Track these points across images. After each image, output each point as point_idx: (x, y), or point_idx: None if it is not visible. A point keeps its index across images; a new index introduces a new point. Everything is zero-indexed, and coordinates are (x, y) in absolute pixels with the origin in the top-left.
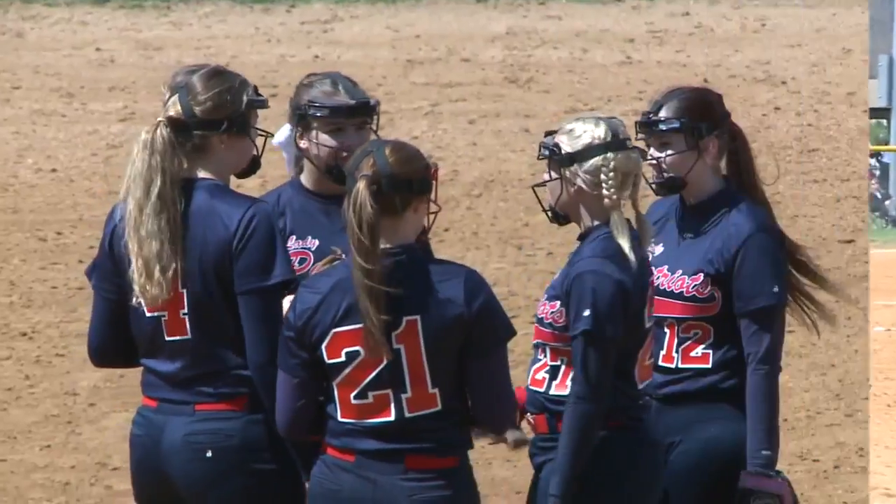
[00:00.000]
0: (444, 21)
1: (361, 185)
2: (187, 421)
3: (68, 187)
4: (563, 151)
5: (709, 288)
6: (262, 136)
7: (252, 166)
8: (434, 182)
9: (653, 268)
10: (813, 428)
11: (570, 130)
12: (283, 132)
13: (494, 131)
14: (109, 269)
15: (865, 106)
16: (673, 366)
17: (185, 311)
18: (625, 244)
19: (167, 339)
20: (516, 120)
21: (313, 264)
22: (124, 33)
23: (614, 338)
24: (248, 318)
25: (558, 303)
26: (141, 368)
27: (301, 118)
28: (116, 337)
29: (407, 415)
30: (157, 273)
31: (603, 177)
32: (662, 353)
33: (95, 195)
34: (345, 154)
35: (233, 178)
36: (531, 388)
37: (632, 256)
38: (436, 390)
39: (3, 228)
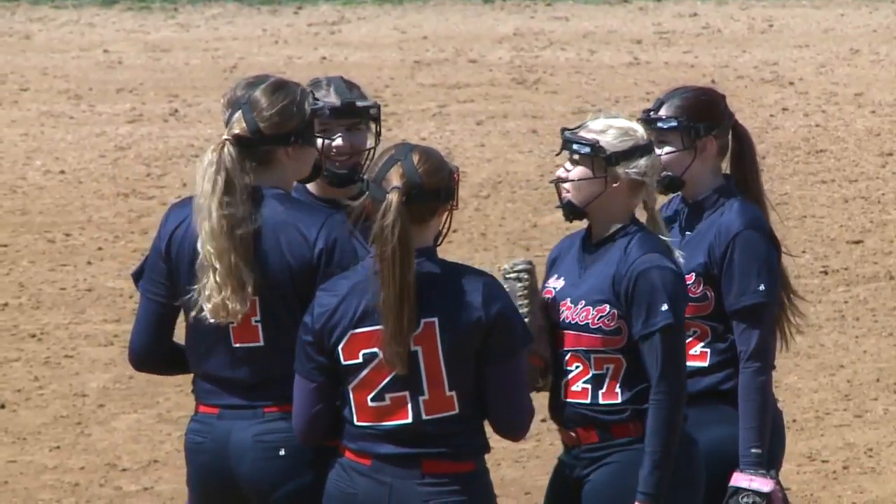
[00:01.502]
0: (452, 22)
1: (395, 198)
2: (256, 423)
3: (77, 189)
4: (607, 151)
5: (701, 287)
6: (319, 138)
7: (315, 171)
8: (456, 187)
9: None
10: (822, 428)
11: (609, 130)
12: None
13: (502, 132)
14: (163, 272)
15: (873, 106)
16: None
17: (258, 318)
18: (668, 240)
19: (234, 345)
20: (524, 121)
21: None
22: (132, 35)
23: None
24: None
25: (607, 306)
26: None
27: None
28: (161, 341)
29: (424, 417)
30: (237, 288)
31: (647, 178)
32: None
33: (104, 197)
34: (333, 153)
35: None
36: (569, 401)
37: (676, 251)
38: (453, 393)
39: (12, 230)
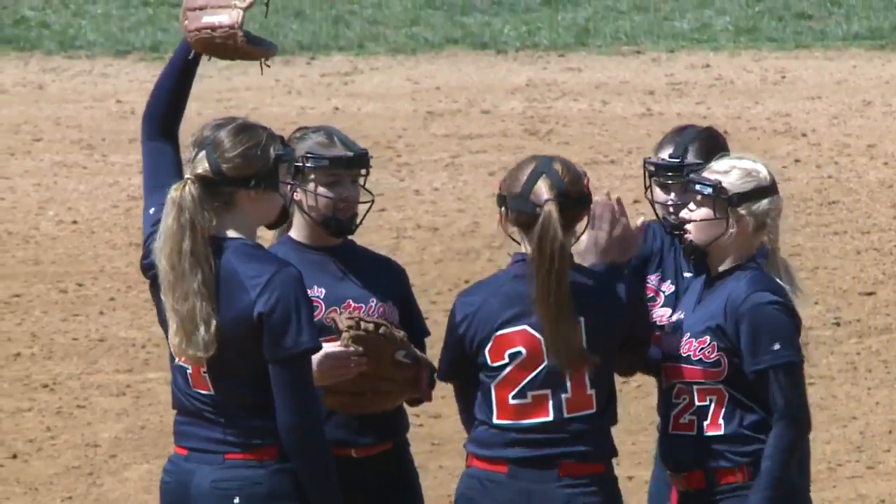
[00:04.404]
0: (464, 73)
1: (553, 209)
2: (216, 468)
3: (89, 239)
4: (729, 192)
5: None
6: (290, 185)
7: (282, 217)
8: (590, 192)
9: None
10: (834, 480)
11: (732, 171)
12: None
13: None
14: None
15: (886, 158)
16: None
17: (205, 370)
18: (786, 285)
19: (194, 389)
20: None
21: (325, 311)
22: (145, 85)
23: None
24: (276, 385)
25: (708, 338)
26: (160, 422)
27: (297, 170)
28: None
29: (565, 415)
30: (194, 333)
31: (769, 220)
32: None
33: (116, 246)
34: (341, 206)
35: None
36: (674, 433)
37: (791, 294)
38: (593, 392)
39: (25, 280)
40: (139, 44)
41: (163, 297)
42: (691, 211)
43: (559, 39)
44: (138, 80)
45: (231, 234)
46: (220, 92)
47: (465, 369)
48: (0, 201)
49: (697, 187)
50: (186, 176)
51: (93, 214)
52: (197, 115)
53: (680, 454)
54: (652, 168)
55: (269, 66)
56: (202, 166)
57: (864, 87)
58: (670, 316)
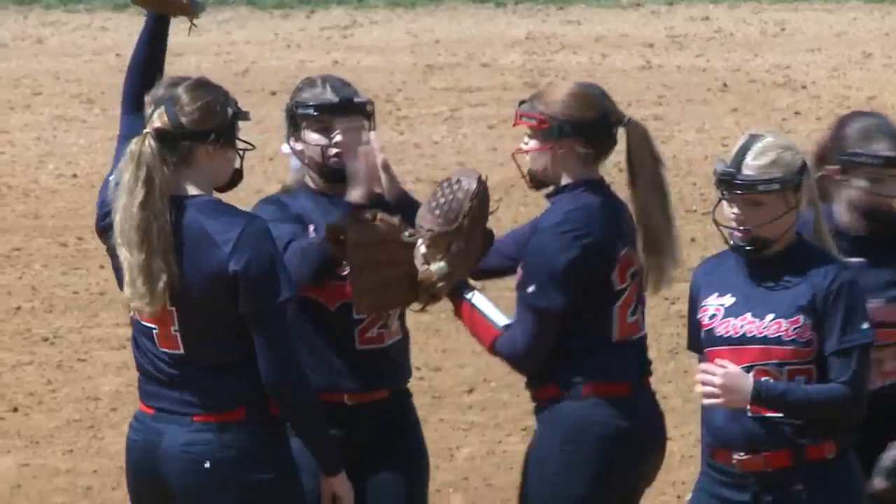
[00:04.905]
0: (464, 26)
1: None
2: (184, 430)
3: (89, 193)
4: (788, 178)
5: None
6: (247, 148)
7: (233, 179)
8: None
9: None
10: None
11: (779, 156)
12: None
13: (515, 136)
14: None
15: (886, 110)
16: None
17: (176, 327)
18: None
19: (161, 349)
20: None
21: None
22: None
23: None
24: (257, 340)
25: (801, 317)
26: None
27: (292, 119)
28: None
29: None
30: (141, 285)
31: (816, 191)
32: None
33: None
34: (333, 152)
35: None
36: (755, 415)
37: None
38: None
39: (25, 234)
40: None
41: (118, 251)
42: (757, 211)
43: None
44: (137, 33)
45: (192, 191)
46: (219, 45)
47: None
48: (0, 155)
49: (762, 188)
50: (145, 131)
51: (93, 168)
52: (196, 68)
53: (772, 435)
54: (875, 161)
55: (195, 25)
56: (160, 120)
57: (863, 39)
58: (704, 296)
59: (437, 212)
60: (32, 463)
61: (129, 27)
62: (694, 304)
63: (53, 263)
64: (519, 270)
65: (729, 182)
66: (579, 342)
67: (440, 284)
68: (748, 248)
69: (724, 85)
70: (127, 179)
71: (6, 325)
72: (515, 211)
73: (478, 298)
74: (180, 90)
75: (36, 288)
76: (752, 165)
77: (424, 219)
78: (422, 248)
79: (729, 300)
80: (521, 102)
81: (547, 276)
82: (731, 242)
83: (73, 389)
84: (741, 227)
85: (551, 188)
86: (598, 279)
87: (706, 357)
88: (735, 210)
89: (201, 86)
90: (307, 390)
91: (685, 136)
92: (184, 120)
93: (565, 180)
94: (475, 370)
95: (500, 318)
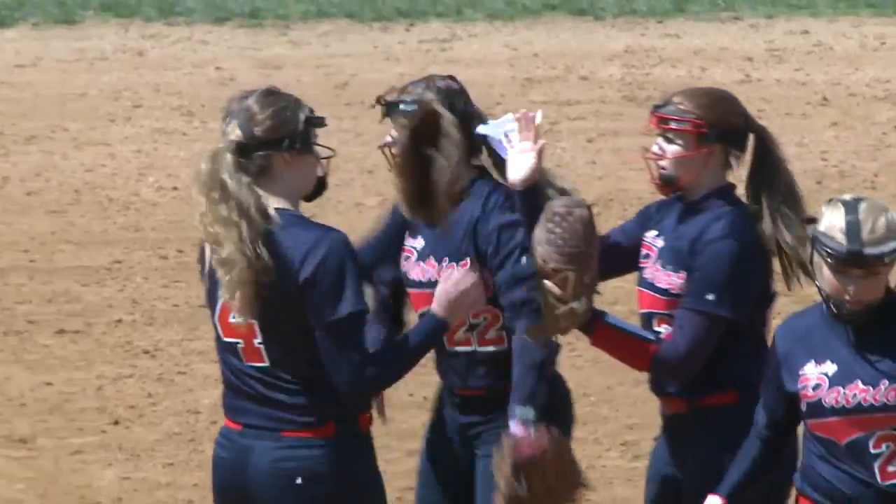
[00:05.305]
0: (563, 39)
1: None
2: (275, 446)
3: (190, 205)
4: None
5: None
6: (329, 155)
7: (318, 187)
8: None
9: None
10: None
11: (886, 212)
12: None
13: (613, 149)
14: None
15: None
16: None
17: (259, 340)
18: None
19: (247, 364)
20: (635, 138)
21: (416, 259)
22: (244, 52)
23: None
24: (324, 352)
25: None
26: None
27: None
28: None
29: None
30: (244, 288)
31: None
32: None
33: None
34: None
35: None
36: (886, 484)
37: None
38: None
39: (126, 247)
40: (238, 10)
41: (210, 261)
42: (879, 283)
43: (657, 5)
44: (237, 46)
45: (276, 204)
46: (318, 58)
47: None
48: (101, 168)
49: (887, 259)
50: (220, 146)
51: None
52: (296, 81)
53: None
54: None
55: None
56: (234, 133)
57: None
58: (799, 365)
59: (561, 247)
60: (133, 476)
61: (230, 40)
62: (778, 369)
63: (154, 276)
64: (685, 277)
65: (860, 260)
66: (747, 346)
67: (583, 319)
68: (858, 315)
69: (824, 99)
70: (202, 198)
71: (107, 337)
72: (614, 224)
73: (613, 318)
74: (251, 101)
75: (137, 301)
76: (871, 240)
77: (549, 257)
78: (555, 290)
79: (831, 368)
80: (657, 106)
81: (729, 284)
82: (841, 311)
83: (173, 402)
84: (859, 300)
85: (678, 192)
86: (765, 284)
87: (810, 427)
88: (854, 286)
89: (270, 94)
90: (389, 378)
91: (785, 151)
92: (256, 130)
93: (708, 186)
94: (574, 384)
95: (645, 332)
